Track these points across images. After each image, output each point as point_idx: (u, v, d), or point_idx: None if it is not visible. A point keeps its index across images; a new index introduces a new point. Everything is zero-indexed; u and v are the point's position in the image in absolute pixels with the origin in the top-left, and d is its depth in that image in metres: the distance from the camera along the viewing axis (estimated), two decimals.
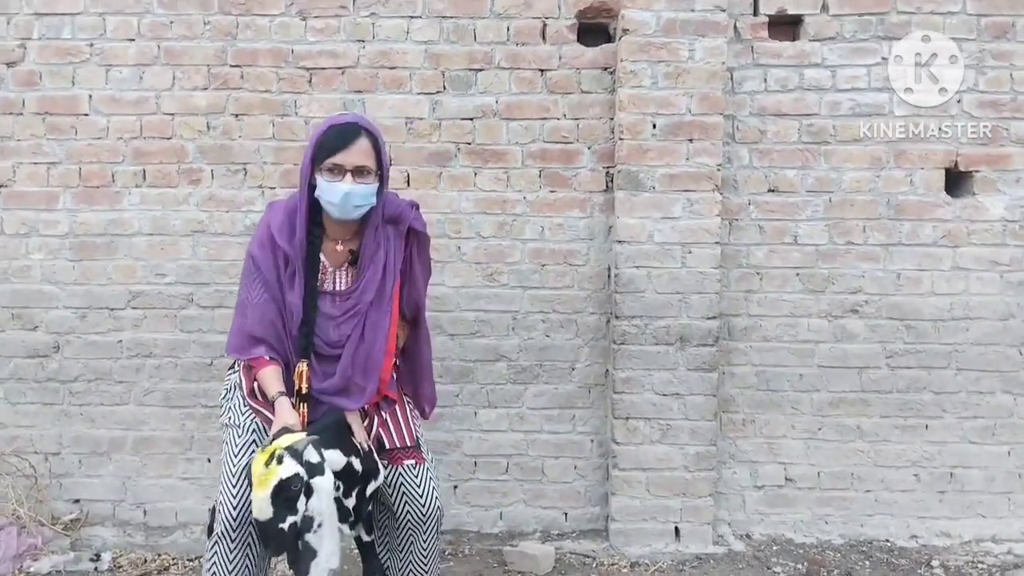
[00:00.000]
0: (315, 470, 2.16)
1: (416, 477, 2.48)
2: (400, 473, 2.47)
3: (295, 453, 2.14)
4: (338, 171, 2.30)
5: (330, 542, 2.20)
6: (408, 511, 2.48)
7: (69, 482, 3.60)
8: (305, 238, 2.38)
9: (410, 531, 2.50)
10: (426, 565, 2.54)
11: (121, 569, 3.29)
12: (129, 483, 3.60)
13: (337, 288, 2.45)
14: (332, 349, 2.42)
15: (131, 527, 3.57)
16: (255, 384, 2.43)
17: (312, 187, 2.36)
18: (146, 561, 3.36)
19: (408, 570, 2.55)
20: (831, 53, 3.49)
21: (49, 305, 3.55)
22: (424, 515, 2.48)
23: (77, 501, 3.61)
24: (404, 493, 2.47)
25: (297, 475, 2.13)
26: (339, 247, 2.44)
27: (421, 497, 2.47)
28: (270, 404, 2.35)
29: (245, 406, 2.45)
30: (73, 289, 3.54)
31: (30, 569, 3.26)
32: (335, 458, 2.27)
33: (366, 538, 2.55)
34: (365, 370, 2.42)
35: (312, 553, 2.18)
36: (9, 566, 3.24)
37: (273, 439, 2.20)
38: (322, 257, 2.43)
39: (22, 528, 3.36)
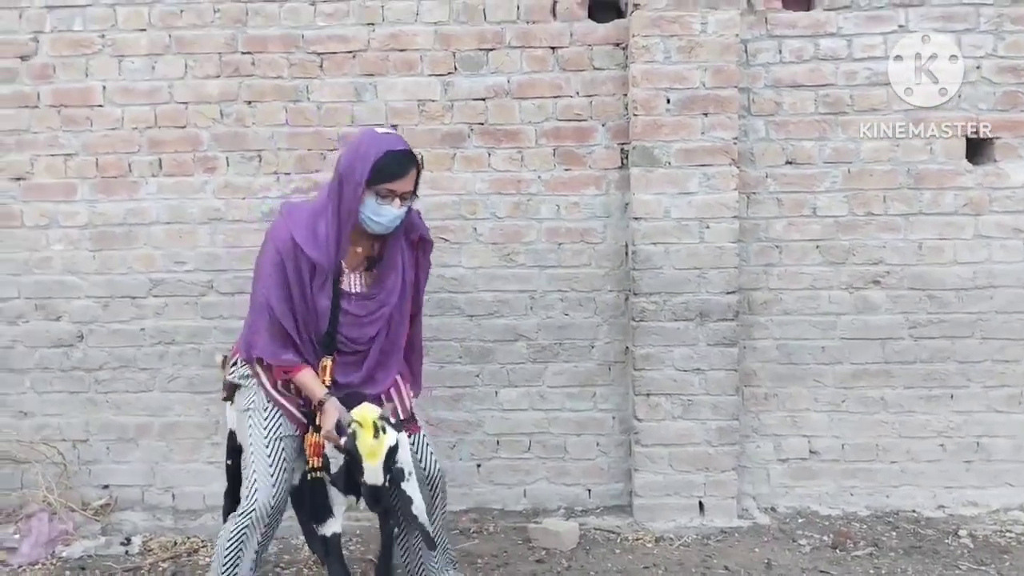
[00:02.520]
0: (397, 428, 2.43)
1: (414, 445, 2.64)
2: None
3: (388, 421, 2.40)
4: (391, 196, 2.43)
5: (416, 488, 2.49)
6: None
7: (98, 468, 3.66)
8: (342, 247, 2.48)
9: None
10: (433, 523, 2.67)
11: (151, 552, 3.34)
12: (157, 468, 3.65)
13: (352, 289, 2.56)
14: (354, 345, 2.57)
15: (160, 511, 3.63)
16: (276, 378, 2.54)
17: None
18: (176, 544, 3.40)
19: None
20: (846, 22, 3.43)
21: (71, 295, 3.59)
22: (427, 477, 2.66)
23: (106, 487, 3.67)
24: None
25: (397, 439, 2.39)
26: (359, 250, 2.56)
27: (421, 462, 2.65)
28: (297, 397, 2.55)
29: (268, 399, 2.55)
30: (95, 279, 3.58)
31: (62, 554, 3.31)
32: None
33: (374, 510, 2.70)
34: (388, 365, 2.64)
35: (408, 500, 2.47)
36: (41, 552, 3.30)
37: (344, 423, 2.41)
38: (342, 261, 2.54)
39: (53, 514, 3.42)
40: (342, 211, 2.45)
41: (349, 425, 2.38)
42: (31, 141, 3.54)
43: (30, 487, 3.56)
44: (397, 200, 2.44)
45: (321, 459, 2.58)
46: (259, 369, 2.55)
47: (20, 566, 3.24)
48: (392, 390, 2.68)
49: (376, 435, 2.35)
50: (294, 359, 2.48)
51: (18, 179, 3.55)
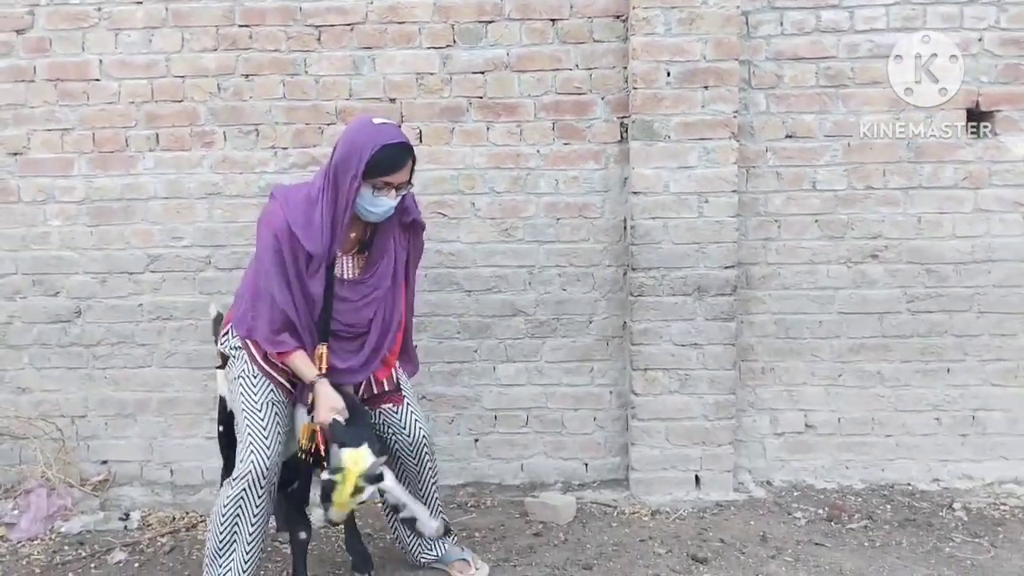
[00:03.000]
0: (379, 479, 2.43)
1: (397, 414, 2.74)
2: (381, 413, 2.74)
3: (370, 478, 2.40)
4: (387, 188, 2.47)
5: (417, 505, 2.55)
6: (396, 443, 2.74)
7: (96, 444, 3.67)
8: (337, 236, 2.50)
9: (401, 461, 2.76)
10: (422, 490, 2.79)
11: (150, 527, 3.36)
12: (155, 444, 3.65)
13: (345, 274, 2.59)
14: (350, 330, 2.62)
15: (158, 486, 3.64)
16: (265, 353, 2.56)
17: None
18: (174, 519, 3.42)
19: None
20: None
21: (69, 271, 3.58)
22: (411, 444, 2.74)
23: (105, 462, 3.68)
24: (390, 428, 2.74)
25: (377, 488, 2.45)
26: (352, 235, 2.59)
27: (405, 428, 2.73)
28: (283, 370, 2.57)
29: (258, 370, 2.57)
30: (92, 255, 3.57)
31: (61, 529, 3.33)
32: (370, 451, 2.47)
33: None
34: (383, 347, 2.68)
35: (413, 520, 2.53)
36: (40, 527, 3.31)
37: (334, 435, 2.46)
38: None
39: (52, 490, 3.42)
40: (338, 201, 2.47)
41: (337, 471, 2.39)
42: (27, 115, 3.52)
43: (29, 463, 3.57)
44: (393, 191, 2.48)
45: (312, 443, 2.57)
46: (249, 343, 2.58)
47: (19, 541, 3.25)
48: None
49: (354, 494, 2.39)
50: (290, 342, 2.51)
51: (15, 154, 3.53)
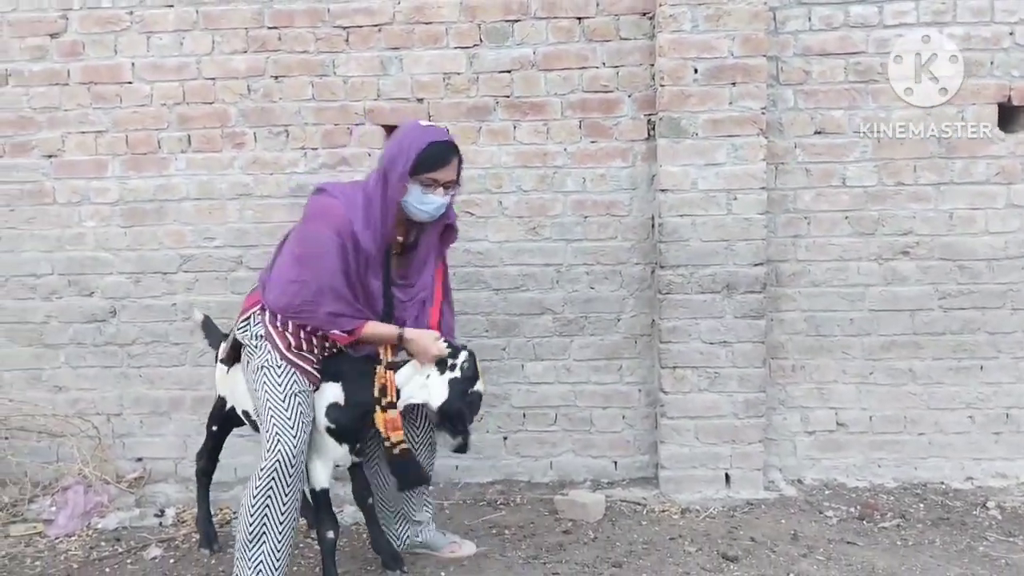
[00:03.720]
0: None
1: None
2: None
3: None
4: (434, 185, 2.56)
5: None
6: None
7: (131, 441, 3.73)
8: (389, 236, 2.59)
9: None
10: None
11: (185, 523, 3.40)
12: (189, 441, 3.70)
13: (394, 278, 2.68)
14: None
15: (192, 483, 3.65)
16: (291, 340, 2.61)
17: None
18: None
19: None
20: None
21: (104, 271, 3.64)
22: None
23: (140, 460, 3.74)
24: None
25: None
26: (398, 238, 2.67)
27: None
28: (311, 356, 2.64)
29: (282, 359, 2.61)
30: (126, 255, 3.63)
31: (97, 526, 3.38)
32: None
33: (356, 459, 2.82)
34: None
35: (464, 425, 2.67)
36: (78, 523, 3.37)
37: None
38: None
39: (88, 487, 3.48)
40: (388, 200, 2.55)
41: (464, 347, 2.64)
42: (62, 118, 3.58)
43: (66, 460, 3.63)
44: (441, 189, 2.57)
45: (402, 431, 2.63)
46: (273, 332, 2.62)
47: (57, 537, 3.30)
48: None
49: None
50: (357, 319, 2.56)
51: (50, 156, 3.60)
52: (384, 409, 2.59)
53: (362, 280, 2.57)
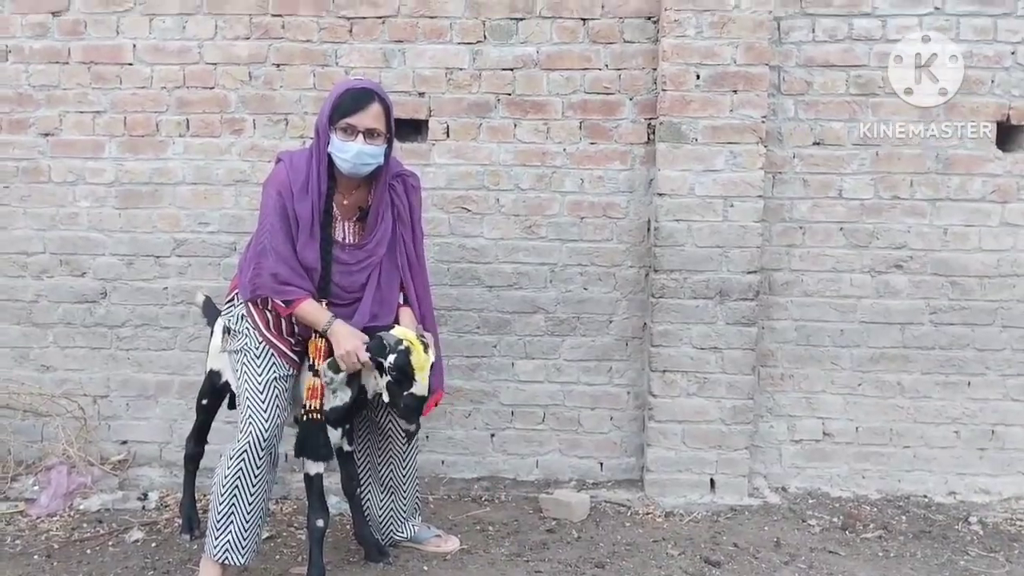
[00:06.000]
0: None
1: None
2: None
3: (423, 337, 2.63)
4: (351, 131, 2.55)
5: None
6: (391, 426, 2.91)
7: (117, 424, 3.71)
8: (323, 190, 2.60)
9: (391, 441, 2.95)
10: (406, 472, 2.99)
11: (167, 508, 3.39)
12: (175, 426, 3.69)
13: (346, 239, 2.69)
14: (345, 294, 2.69)
15: (177, 468, 3.65)
16: (270, 317, 2.66)
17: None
18: None
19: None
20: (882, 2, 3.40)
21: (96, 252, 3.62)
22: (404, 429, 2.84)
23: (125, 442, 3.72)
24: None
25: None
26: (346, 201, 2.68)
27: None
28: (289, 338, 2.67)
29: (261, 338, 2.65)
30: (120, 237, 3.61)
31: (80, 507, 3.37)
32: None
33: (347, 448, 2.87)
34: (382, 315, 2.72)
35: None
36: (60, 503, 3.35)
37: (384, 343, 2.57)
38: (333, 208, 2.65)
39: (72, 468, 3.47)
40: (320, 154, 2.58)
41: (399, 343, 2.54)
42: (60, 97, 3.56)
43: (50, 440, 3.61)
44: (360, 136, 2.54)
45: (320, 401, 2.65)
46: (254, 310, 2.66)
47: (38, 517, 3.29)
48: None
49: (425, 350, 2.58)
50: (298, 291, 2.58)
51: (47, 135, 3.58)
52: (315, 374, 2.64)
53: (303, 240, 2.57)
